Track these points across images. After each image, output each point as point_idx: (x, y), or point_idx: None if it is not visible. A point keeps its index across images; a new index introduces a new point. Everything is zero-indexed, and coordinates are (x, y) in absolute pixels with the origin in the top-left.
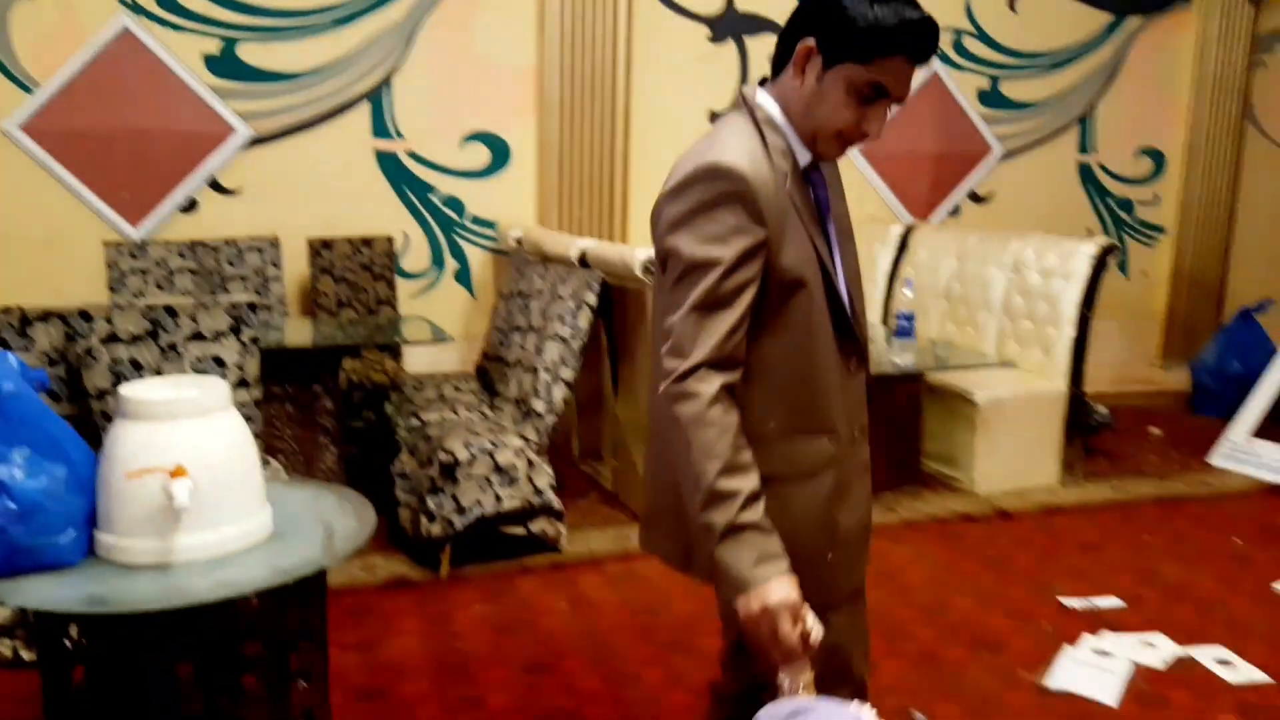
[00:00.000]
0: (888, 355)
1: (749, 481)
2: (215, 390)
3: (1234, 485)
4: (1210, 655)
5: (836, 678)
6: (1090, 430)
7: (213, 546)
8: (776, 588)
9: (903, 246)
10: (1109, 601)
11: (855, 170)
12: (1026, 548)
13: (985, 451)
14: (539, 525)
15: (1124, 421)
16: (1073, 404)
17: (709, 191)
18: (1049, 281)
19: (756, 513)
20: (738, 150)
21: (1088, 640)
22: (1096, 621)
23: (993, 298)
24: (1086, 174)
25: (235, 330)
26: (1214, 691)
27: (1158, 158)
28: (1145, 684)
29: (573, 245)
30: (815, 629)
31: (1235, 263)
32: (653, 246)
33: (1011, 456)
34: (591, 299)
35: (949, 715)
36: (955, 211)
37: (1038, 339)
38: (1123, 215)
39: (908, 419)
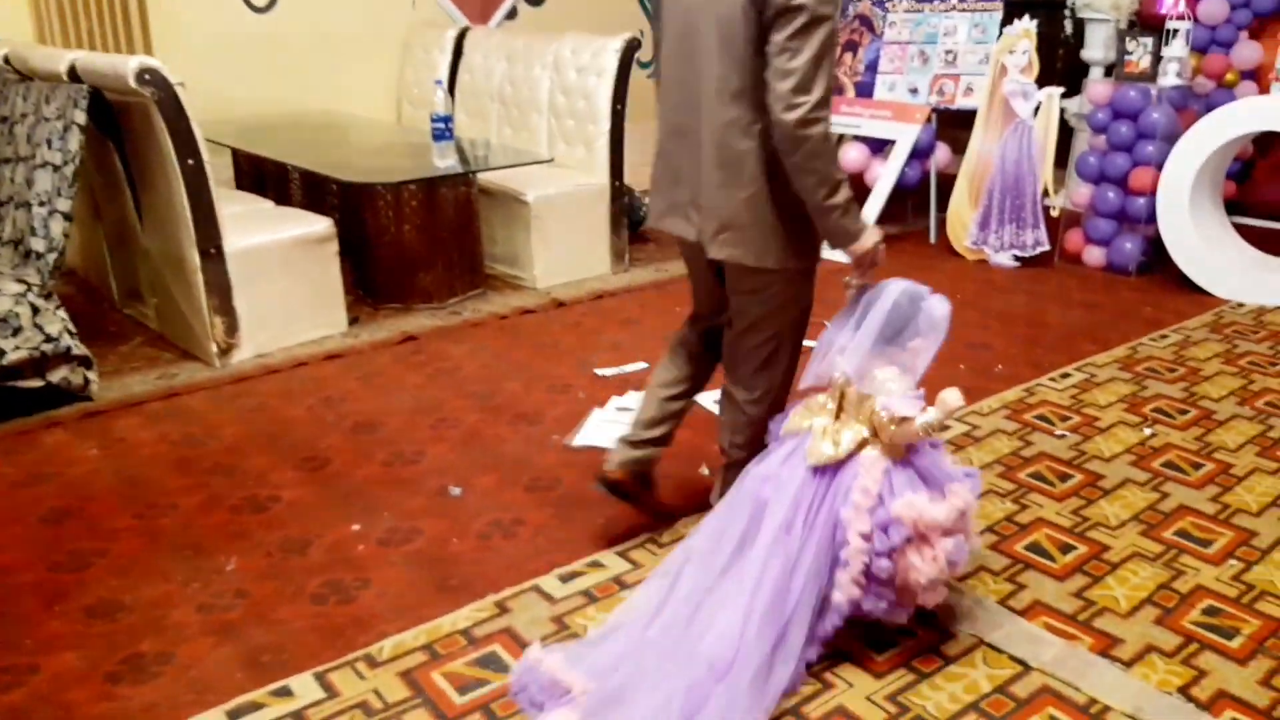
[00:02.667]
0: (430, 160)
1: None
2: None
3: None
4: (710, 398)
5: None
6: (637, 221)
7: None
8: (875, 232)
9: (458, 51)
10: (637, 366)
11: None
12: (574, 331)
13: (541, 247)
14: (59, 374)
15: None
16: (616, 196)
17: None
18: (584, 78)
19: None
20: None
21: (614, 401)
22: (625, 385)
23: (540, 98)
24: None
25: None
26: (709, 427)
27: None
28: None
29: (61, 58)
30: (883, 253)
31: None
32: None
33: (566, 250)
34: (80, 117)
35: (486, 484)
36: (512, 14)
37: (581, 136)
38: None
39: (464, 223)
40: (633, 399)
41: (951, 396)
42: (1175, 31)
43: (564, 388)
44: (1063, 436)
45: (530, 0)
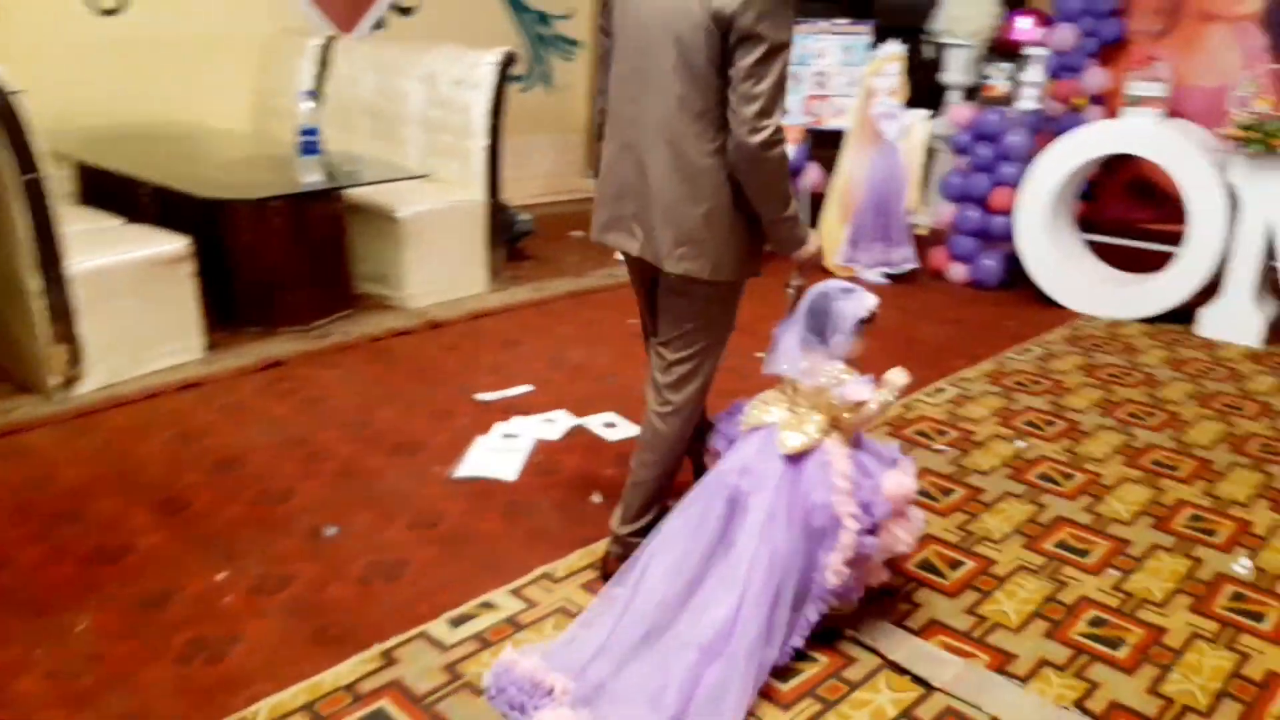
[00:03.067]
0: (295, 175)
1: None
2: None
3: None
4: (599, 421)
5: None
6: (515, 237)
7: None
8: (816, 236)
9: (324, 61)
10: (520, 390)
11: None
12: (452, 353)
13: (414, 266)
14: None
15: (554, 228)
16: (493, 212)
17: None
18: (460, 92)
19: None
20: None
21: (499, 427)
22: (508, 410)
23: (411, 111)
24: None
25: None
26: (598, 451)
27: None
28: (543, 456)
29: None
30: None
31: None
32: (723, 16)
33: (440, 268)
34: None
35: (364, 522)
36: (380, 24)
37: (455, 151)
38: (541, 30)
39: (332, 241)
40: (518, 425)
41: (897, 376)
42: (1031, 58)
43: (444, 414)
44: (942, 451)
45: (400, 10)
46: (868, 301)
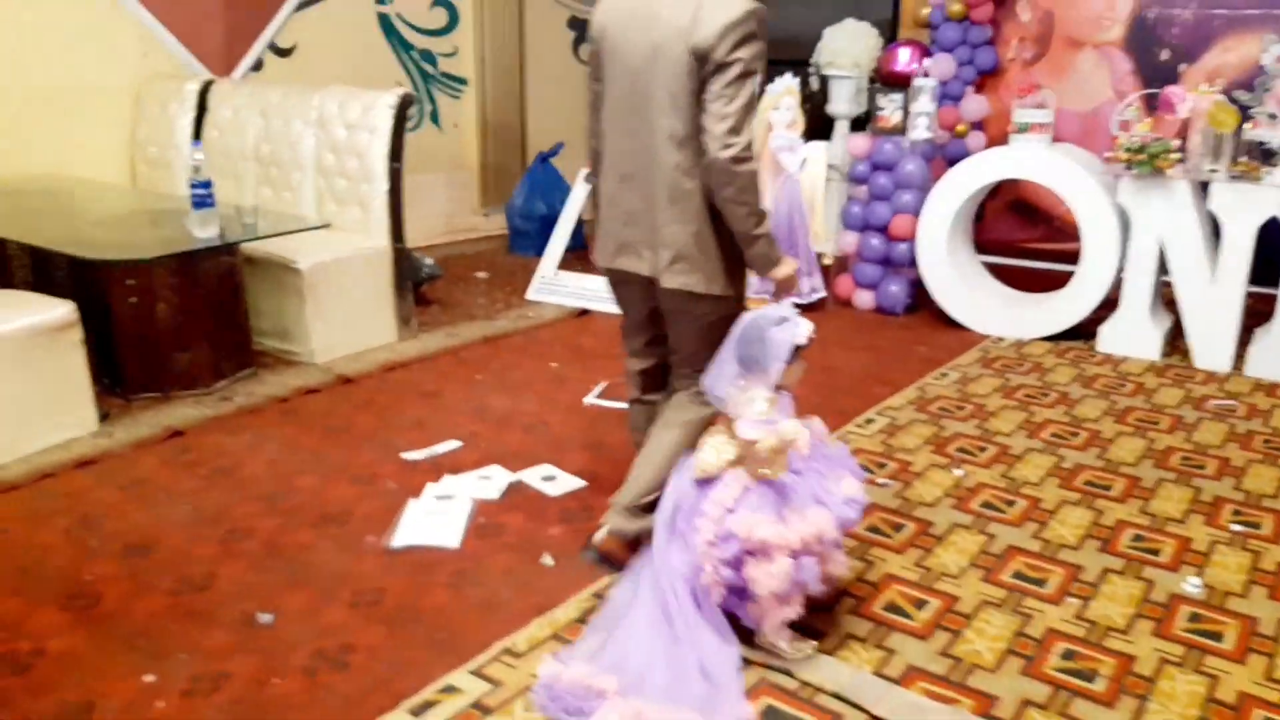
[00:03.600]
0: (190, 230)
1: None
2: None
3: (548, 315)
4: (538, 475)
5: None
6: (421, 282)
7: None
8: (791, 262)
9: (203, 106)
10: (447, 446)
11: (133, 22)
12: (368, 410)
13: (318, 319)
14: None
15: (456, 269)
16: (399, 258)
17: (757, 24)
18: (355, 135)
19: None
20: None
21: (430, 489)
22: (438, 468)
23: (304, 156)
24: (387, 25)
25: None
26: (541, 508)
27: (451, 9)
28: (484, 517)
29: None
30: (796, 282)
31: (530, 111)
32: (702, 50)
33: (346, 320)
34: None
35: (299, 605)
36: (258, 66)
37: (354, 196)
38: (427, 68)
39: (228, 297)
40: (450, 484)
41: (789, 427)
42: (922, 88)
43: (369, 478)
44: (886, 485)
45: (277, 51)
46: (803, 329)
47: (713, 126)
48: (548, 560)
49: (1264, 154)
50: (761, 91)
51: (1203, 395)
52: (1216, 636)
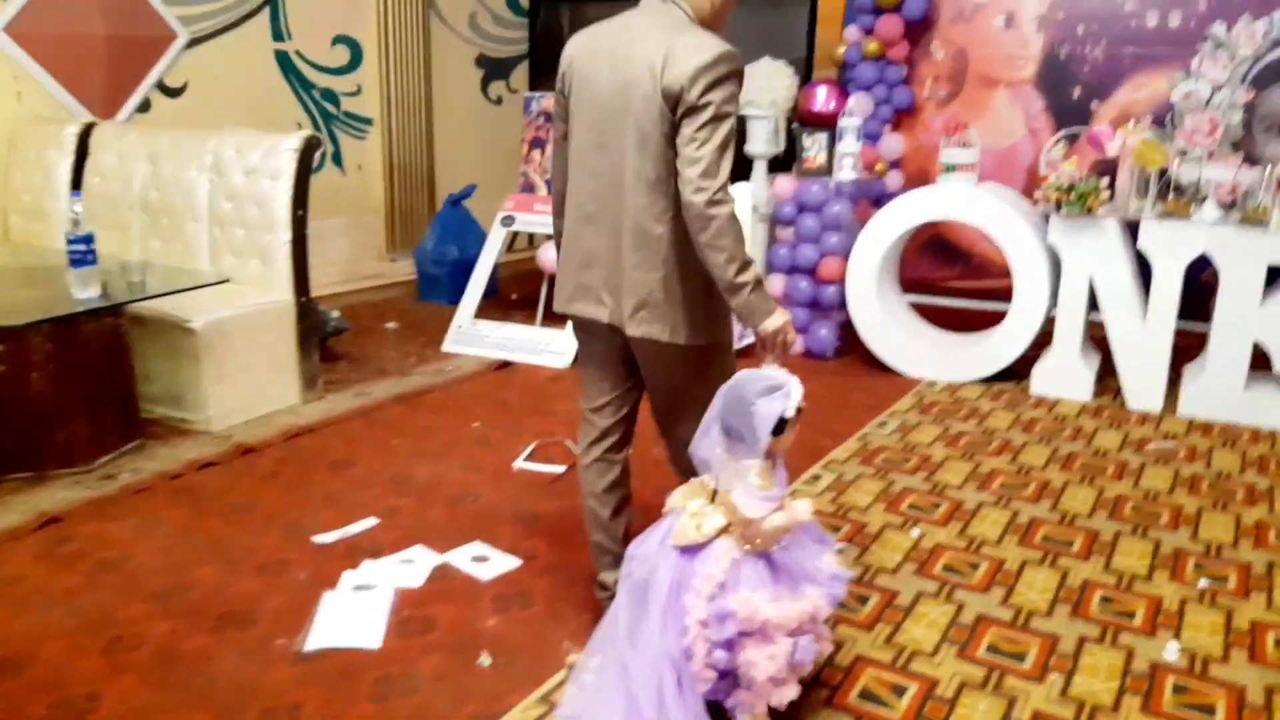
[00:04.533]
0: (69, 290)
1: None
2: None
3: (467, 367)
4: (467, 555)
5: None
6: (327, 337)
7: None
8: (784, 313)
9: (83, 151)
10: (364, 525)
11: (6, 60)
12: (274, 484)
13: (215, 383)
14: None
15: (361, 320)
16: (303, 313)
17: (731, 67)
18: (256, 182)
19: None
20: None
21: (347, 578)
22: (355, 552)
23: (198, 205)
24: (286, 63)
25: None
26: (473, 596)
27: (354, 46)
28: (408, 609)
29: None
30: (793, 337)
31: (439, 151)
32: (672, 92)
33: (246, 383)
34: None
35: None
36: (145, 107)
37: (254, 247)
38: (329, 107)
39: (112, 362)
40: (369, 571)
41: (802, 507)
42: (846, 128)
43: (277, 567)
44: (843, 550)
45: (166, 91)
46: (792, 397)
47: (686, 170)
48: (485, 660)
49: (1175, 190)
50: (741, 139)
51: (1141, 438)
52: (1209, 710)
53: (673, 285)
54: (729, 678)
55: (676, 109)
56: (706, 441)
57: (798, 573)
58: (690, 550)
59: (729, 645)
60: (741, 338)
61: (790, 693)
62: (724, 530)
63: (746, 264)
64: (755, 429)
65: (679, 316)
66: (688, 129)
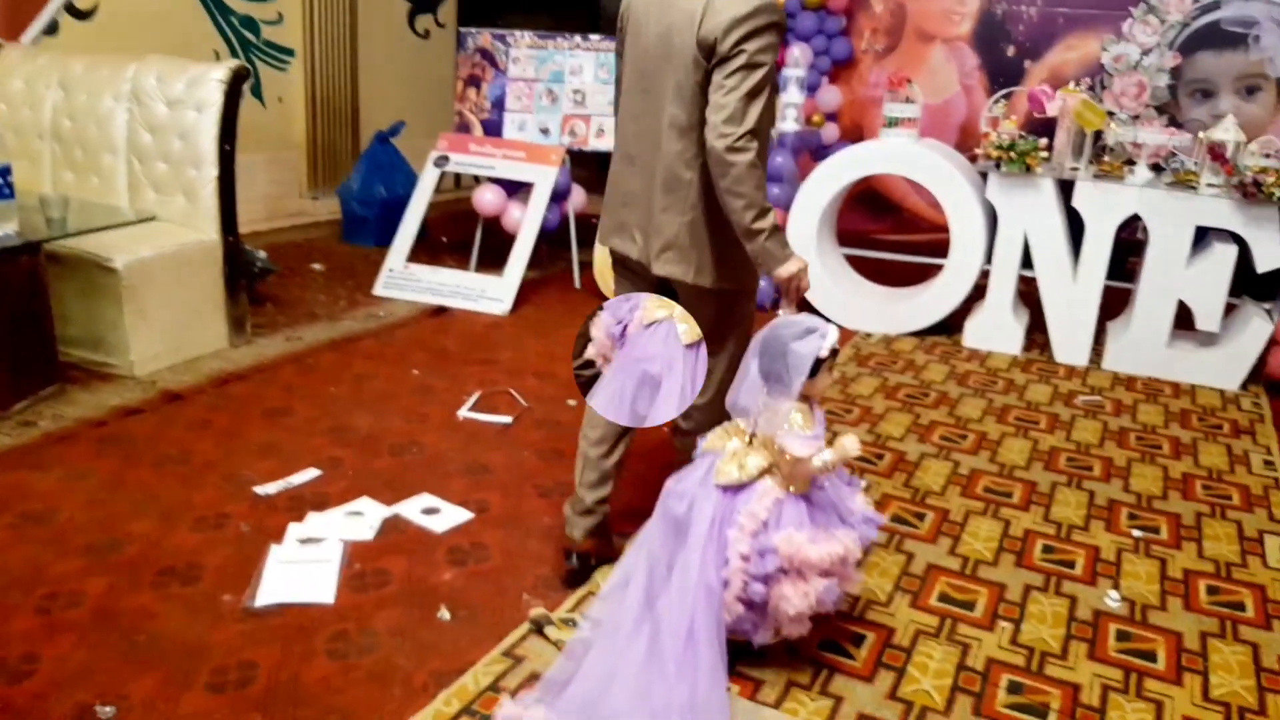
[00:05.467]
0: None
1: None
2: None
3: (401, 313)
4: (416, 507)
5: None
6: (254, 279)
7: None
8: (800, 260)
9: None
10: (306, 475)
11: None
12: (206, 432)
13: (138, 325)
14: None
15: (287, 260)
16: (230, 253)
17: (770, 19)
18: (179, 113)
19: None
20: None
21: (293, 530)
22: (299, 504)
23: (116, 136)
24: None
25: None
26: (427, 548)
27: None
28: (360, 563)
29: None
30: (808, 284)
31: (364, 86)
32: (707, 43)
33: (170, 326)
34: None
35: (146, 691)
36: (52, 30)
37: (178, 183)
38: (249, 36)
39: (28, 303)
40: (315, 524)
41: (850, 444)
42: (789, 79)
43: (217, 520)
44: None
45: (74, 12)
46: (828, 338)
47: (711, 116)
48: (444, 614)
49: (1109, 151)
50: (776, 87)
51: (1070, 391)
52: (1150, 656)
53: (699, 230)
54: (754, 609)
55: (711, 58)
56: (746, 386)
57: (835, 514)
58: (733, 489)
59: (765, 580)
60: None
61: (802, 628)
62: (766, 471)
63: (765, 210)
64: (791, 371)
65: (705, 260)
66: (718, 76)
